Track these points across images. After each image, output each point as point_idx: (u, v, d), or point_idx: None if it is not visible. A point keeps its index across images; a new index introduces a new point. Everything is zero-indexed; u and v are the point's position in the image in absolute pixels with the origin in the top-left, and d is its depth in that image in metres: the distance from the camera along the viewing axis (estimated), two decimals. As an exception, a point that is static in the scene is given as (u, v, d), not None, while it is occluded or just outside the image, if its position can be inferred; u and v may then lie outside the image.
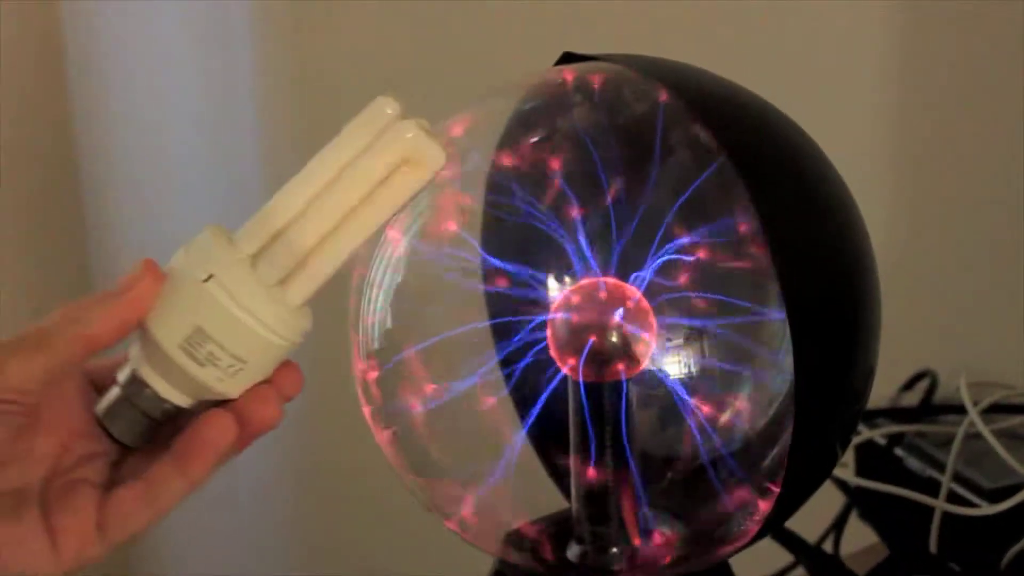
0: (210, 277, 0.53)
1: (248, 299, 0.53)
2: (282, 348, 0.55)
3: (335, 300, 0.62)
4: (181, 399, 0.56)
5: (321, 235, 0.54)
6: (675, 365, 0.64)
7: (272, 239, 0.54)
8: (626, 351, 0.64)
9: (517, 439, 0.69)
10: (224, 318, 0.53)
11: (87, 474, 0.57)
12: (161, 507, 0.56)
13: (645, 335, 0.64)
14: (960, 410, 0.96)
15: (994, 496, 0.89)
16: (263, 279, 0.54)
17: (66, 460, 0.57)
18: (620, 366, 0.64)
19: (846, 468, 0.99)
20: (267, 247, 0.54)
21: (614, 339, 0.64)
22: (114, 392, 0.56)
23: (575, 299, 0.64)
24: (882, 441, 0.98)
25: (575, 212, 0.64)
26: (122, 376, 0.56)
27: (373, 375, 0.68)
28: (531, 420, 0.68)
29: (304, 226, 0.54)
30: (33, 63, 1.13)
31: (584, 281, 0.64)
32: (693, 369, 0.64)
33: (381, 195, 0.54)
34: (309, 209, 0.54)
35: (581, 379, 0.65)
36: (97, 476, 0.58)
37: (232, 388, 0.55)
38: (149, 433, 0.56)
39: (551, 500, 0.71)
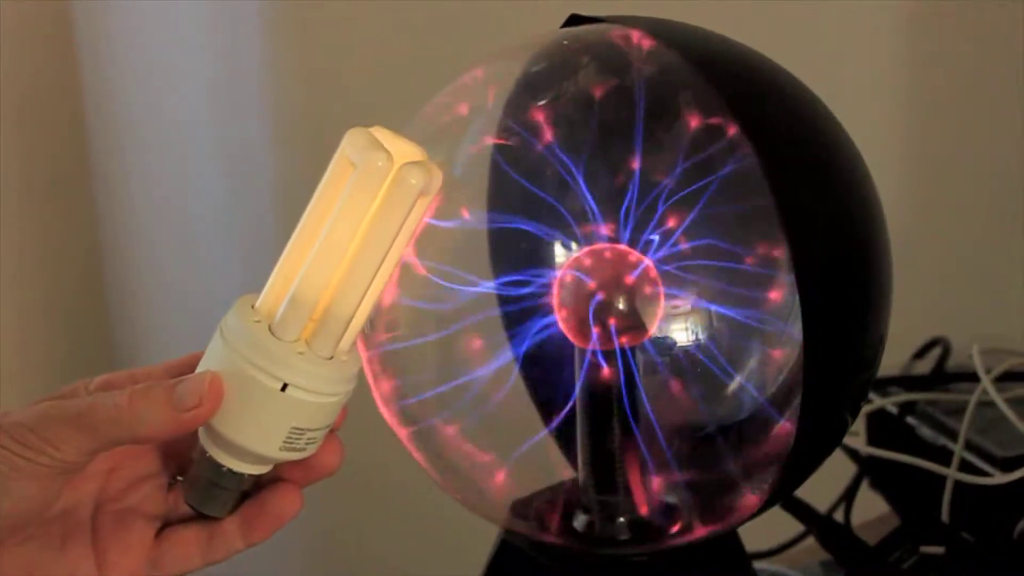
0: (285, 386, 0.54)
1: (323, 384, 0.55)
2: (348, 395, 0.57)
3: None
4: (264, 469, 0.57)
5: (360, 297, 0.55)
6: (682, 332, 0.63)
7: (314, 313, 0.54)
8: (632, 317, 0.63)
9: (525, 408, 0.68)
10: (311, 409, 0.55)
11: (141, 503, 0.59)
12: (217, 558, 0.59)
13: (652, 301, 0.63)
14: (973, 378, 0.95)
15: (1007, 464, 0.88)
16: (321, 353, 0.55)
17: (116, 482, 0.58)
18: (626, 332, 0.63)
19: (857, 437, 0.98)
20: (315, 325, 0.55)
21: (620, 305, 0.63)
22: (197, 477, 0.57)
23: (580, 265, 0.64)
24: (894, 409, 0.97)
25: (579, 177, 0.63)
26: (202, 461, 0.57)
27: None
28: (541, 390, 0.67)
29: (343, 298, 0.55)
30: (44, 61, 1.13)
31: (589, 247, 0.64)
32: (700, 336, 0.63)
33: (400, 236, 0.55)
34: (343, 283, 0.54)
35: (588, 346, 0.64)
36: (151, 506, 0.59)
37: (313, 450, 0.57)
38: (240, 501, 0.58)
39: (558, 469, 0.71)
